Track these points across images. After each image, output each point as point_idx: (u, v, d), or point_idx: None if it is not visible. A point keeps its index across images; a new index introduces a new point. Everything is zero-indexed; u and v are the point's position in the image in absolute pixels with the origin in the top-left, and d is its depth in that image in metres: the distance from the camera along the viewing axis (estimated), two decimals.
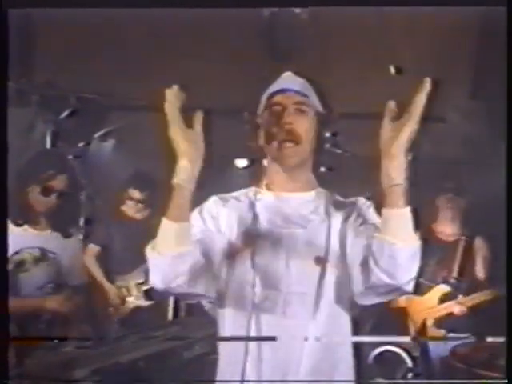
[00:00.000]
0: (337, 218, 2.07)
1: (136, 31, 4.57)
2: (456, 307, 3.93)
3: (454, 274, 4.01)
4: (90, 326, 3.42)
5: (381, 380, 3.51)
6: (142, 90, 4.52)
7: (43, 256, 3.15)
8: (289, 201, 2.08)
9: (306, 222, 2.05)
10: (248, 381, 2.03)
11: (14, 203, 2.97)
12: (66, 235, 3.22)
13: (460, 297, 3.95)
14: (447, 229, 4.10)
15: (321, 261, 2.01)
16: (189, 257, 1.88)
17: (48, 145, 3.90)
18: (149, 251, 1.93)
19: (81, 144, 3.98)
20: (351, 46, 5.03)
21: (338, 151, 3.72)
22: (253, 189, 2.14)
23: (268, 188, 2.11)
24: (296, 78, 2.13)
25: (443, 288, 3.99)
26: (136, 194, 4.30)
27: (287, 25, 5.04)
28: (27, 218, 3.15)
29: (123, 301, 4.22)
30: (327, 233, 2.04)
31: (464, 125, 5.00)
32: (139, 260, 4.22)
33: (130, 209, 4.32)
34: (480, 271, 4.07)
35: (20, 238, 3.07)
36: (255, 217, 2.05)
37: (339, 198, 2.17)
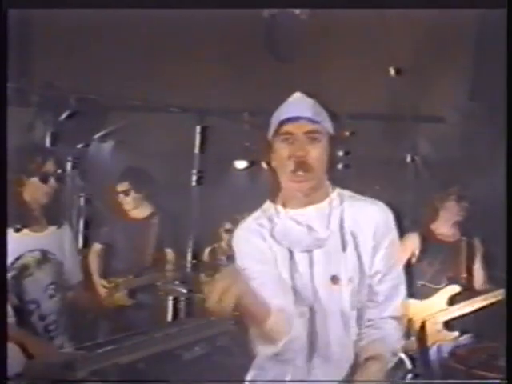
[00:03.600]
0: (359, 234, 2.07)
1: (136, 31, 4.57)
2: (467, 308, 3.87)
3: (463, 273, 3.98)
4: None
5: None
6: (142, 90, 4.53)
7: (45, 257, 3.10)
8: (304, 218, 2.08)
9: (322, 242, 2.06)
10: (255, 381, 2.06)
11: (10, 207, 2.85)
12: (59, 226, 3.18)
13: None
14: (447, 230, 4.08)
15: (336, 280, 2.03)
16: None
17: (48, 146, 3.89)
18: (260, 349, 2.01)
19: (80, 145, 3.97)
20: (351, 46, 5.03)
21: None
22: (272, 207, 2.13)
23: (284, 205, 2.11)
24: (306, 101, 2.06)
25: (453, 288, 3.94)
26: (122, 186, 4.31)
27: (287, 25, 5.05)
28: (25, 220, 3.07)
29: (111, 296, 4.18)
30: (342, 248, 2.06)
31: (464, 125, 5.00)
32: (140, 260, 4.26)
33: (127, 204, 4.33)
34: (480, 272, 4.05)
35: (20, 242, 3.01)
36: (275, 240, 2.07)
37: (355, 196, 2.14)
